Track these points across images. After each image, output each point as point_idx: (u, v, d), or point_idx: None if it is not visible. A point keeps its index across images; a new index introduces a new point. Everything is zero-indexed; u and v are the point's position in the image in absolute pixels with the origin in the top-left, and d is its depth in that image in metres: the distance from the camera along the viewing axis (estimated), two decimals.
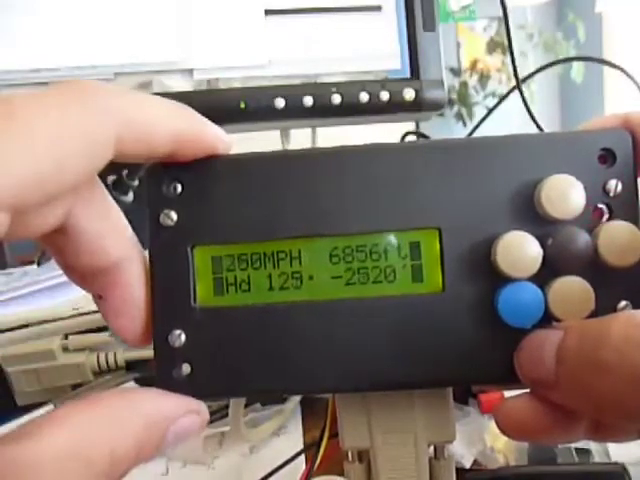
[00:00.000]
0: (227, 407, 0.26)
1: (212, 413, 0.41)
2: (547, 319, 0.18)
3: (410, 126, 0.72)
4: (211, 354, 0.19)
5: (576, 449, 0.33)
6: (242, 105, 0.44)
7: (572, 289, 0.18)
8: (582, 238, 0.17)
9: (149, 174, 0.19)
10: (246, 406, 0.38)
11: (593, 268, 0.18)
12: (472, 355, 0.18)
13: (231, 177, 0.19)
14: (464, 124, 2.70)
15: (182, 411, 0.18)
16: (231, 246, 0.19)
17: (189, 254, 0.19)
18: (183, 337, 0.18)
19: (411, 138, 0.67)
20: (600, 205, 0.18)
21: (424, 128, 0.71)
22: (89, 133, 0.15)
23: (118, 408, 0.17)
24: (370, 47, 0.47)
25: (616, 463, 0.30)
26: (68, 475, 0.15)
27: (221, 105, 0.44)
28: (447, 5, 0.55)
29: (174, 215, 0.19)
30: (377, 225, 0.18)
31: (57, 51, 0.43)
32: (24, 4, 0.42)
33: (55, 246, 0.18)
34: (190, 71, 0.45)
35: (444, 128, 2.55)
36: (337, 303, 0.18)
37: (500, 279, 0.18)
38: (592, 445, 0.34)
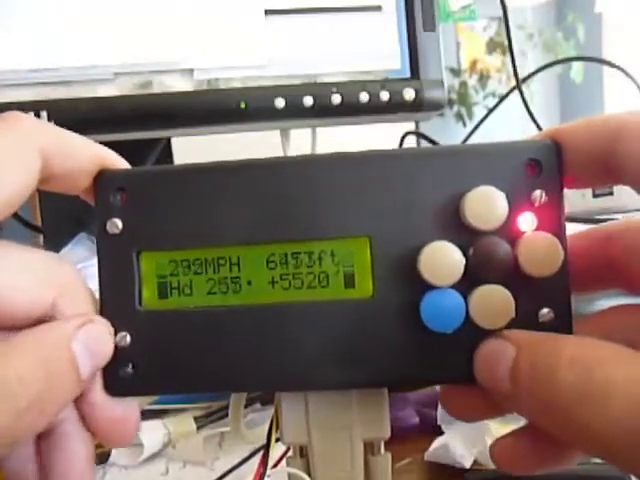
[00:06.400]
0: (227, 407, 0.26)
1: (212, 413, 0.41)
2: (468, 326, 0.18)
3: (410, 126, 0.71)
4: (154, 354, 0.20)
5: None
6: (242, 105, 0.44)
7: (492, 297, 0.18)
8: (501, 248, 0.18)
9: (97, 183, 0.20)
10: (246, 406, 0.38)
11: (514, 277, 0.18)
12: (399, 358, 0.19)
13: (174, 186, 0.20)
14: (464, 124, 2.70)
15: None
16: (174, 252, 0.20)
17: (134, 260, 0.20)
18: (128, 338, 0.19)
19: (411, 138, 0.67)
20: (524, 215, 0.19)
21: (424, 128, 0.71)
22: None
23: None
24: (370, 47, 0.47)
25: None
26: None
27: (221, 105, 0.44)
28: (447, 5, 0.55)
29: (119, 223, 0.20)
30: (312, 233, 0.19)
31: (57, 51, 0.43)
32: (24, 4, 0.42)
33: None
34: (190, 71, 0.45)
35: (444, 128, 2.54)
36: (274, 307, 0.19)
37: (425, 286, 0.18)
38: None
